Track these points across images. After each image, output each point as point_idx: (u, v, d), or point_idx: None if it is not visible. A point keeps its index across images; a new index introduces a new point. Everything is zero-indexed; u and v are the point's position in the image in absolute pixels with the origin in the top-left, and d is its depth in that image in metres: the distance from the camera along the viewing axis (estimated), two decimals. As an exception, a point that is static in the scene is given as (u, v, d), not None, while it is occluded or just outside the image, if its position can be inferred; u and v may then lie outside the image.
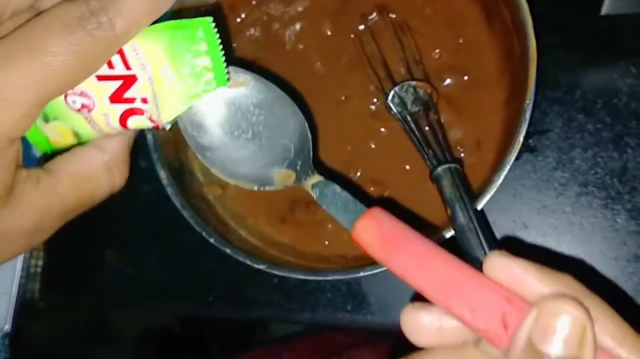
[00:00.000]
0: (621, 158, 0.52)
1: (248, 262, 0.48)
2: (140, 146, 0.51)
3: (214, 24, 0.33)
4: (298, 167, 0.38)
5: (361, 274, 0.45)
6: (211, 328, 1.19)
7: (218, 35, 0.33)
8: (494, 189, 0.44)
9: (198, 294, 0.59)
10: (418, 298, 0.28)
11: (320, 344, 0.70)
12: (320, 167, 0.40)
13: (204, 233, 0.49)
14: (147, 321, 1.18)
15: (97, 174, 0.35)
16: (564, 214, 0.52)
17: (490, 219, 0.53)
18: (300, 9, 0.58)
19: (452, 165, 0.45)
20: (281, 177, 0.39)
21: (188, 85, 0.33)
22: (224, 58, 0.34)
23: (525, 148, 0.53)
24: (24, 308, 0.60)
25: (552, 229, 0.52)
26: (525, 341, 0.24)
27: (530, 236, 0.52)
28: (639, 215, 0.51)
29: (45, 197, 0.32)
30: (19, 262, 0.58)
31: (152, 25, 0.31)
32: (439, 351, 0.28)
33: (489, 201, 0.52)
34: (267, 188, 0.39)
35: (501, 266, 0.26)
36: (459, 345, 0.28)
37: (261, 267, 0.48)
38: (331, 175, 0.39)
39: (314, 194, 0.36)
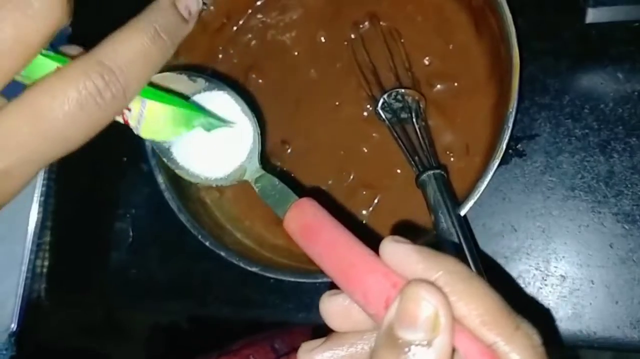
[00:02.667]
0: (608, 162, 0.53)
1: (242, 264, 0.50)
2: (142, 151, 0.53)
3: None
4: (249, 164, 0.40)
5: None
6: (219, 325, 1.21)
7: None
8: (478, 195, 0.45)
9: (197, 294, 0.61)
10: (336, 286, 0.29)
11: (315, 331, 0.72)
12: (265, 163, 0.42)
13: (199, 236, 0.50)
14: (155, 318, 1.20)
15: None
16: (551, 217, 0.53)
17: (480, 222, 0.54)
18: (294, 17, 0.59)
19: (437, 171, 0.46)
20: (234, 173, 0.41)
21: (175, 129, 0.35)
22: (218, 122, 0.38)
23: (514, 152, 0.54)
24: (30, 307, 0.62)
25: (540, 232, 0.53)
26: (387, 326, 0.25)
27: (519, 239, 0.53)
28: (625, 218, 0.52)
29: None
30: (24, 263, 0.60)
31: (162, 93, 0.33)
32: (344, 335, 0.29)
33: (479, 204, 0.53)
34: (221, 184, 0.41)
35: (390, 251, 0.27)
36: (369, 331, 0.29)
37: (254, 269, 0.49)
38: (272, 171, 0.41)
39: (256, 188, 0.38)
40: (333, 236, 0.29)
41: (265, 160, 0.42)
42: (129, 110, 0.32)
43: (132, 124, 0.33)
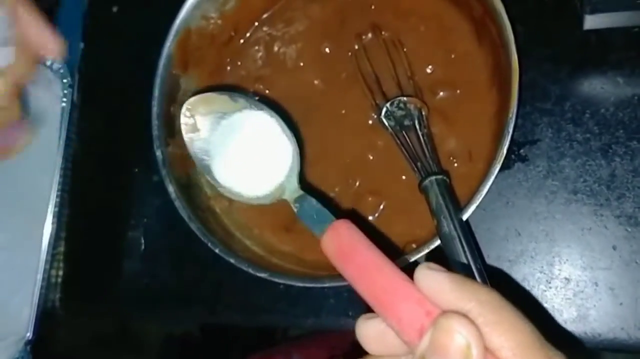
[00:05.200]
0: (609, 166, 0.54)
1: (251, 271, 0.51)
2: (153, 163, 0.55)
3: None
4: (287, 183, 0.41)
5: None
6: (231, 334, 1.22)
7: None
8: (480, 199, 0.46)
9: (208, 302, 0.62)
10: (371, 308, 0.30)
11: (330, 342, 0.72)
12: (303, 182, 0.44)
13: (209, 244, 0.52)
14: (168, 329, 1.21)
15: None
16: (554, 221, 0.54)
17: (485, 226, 0.55)
18: (300, 29, 0.61)
19: (439, 177, 0.47)
20: (274, 192, 0.42)
21: None
22: None
23: (517, 157, 0.55)
24: (45, 316, 0.63)
25: (543, 235, 0.54)
26: (420, 355, 0.26)
27: (523, 243, 0.54)
28: (627, 221, 0.53)
29: None
30: (39, 272, 0.62)
31: None
32: (379, 358, 0.30)
33: (483, 208, 0.55)
34: (262, 202, 0.42)
35: (424, 279, 0.27)
36: (403, 356, 0.29)
37: (263, 275, 0.50)
38: (311, 190, 0.43)
39: (294, 207, 0.40)
40: (367, 259, 0.30)
41: (303, 179, 0.43)
42: None
43: None
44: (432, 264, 0.28)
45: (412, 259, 0.47)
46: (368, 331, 0.30)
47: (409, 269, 0.29)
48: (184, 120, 0.45)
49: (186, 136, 0.46)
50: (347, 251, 0.31)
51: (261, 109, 0.43)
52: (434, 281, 0.27)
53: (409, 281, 0.28)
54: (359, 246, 0.31)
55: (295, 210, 0.40)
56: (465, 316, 0.25)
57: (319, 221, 0.36)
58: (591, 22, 0.52)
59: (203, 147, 0.45)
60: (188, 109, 0.45)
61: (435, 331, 0.26)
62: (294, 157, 0.42)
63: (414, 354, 0.26)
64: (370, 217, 0.56)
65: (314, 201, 0.39)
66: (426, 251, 0.47)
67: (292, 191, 0.41)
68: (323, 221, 0.34)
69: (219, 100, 0.44)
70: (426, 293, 0.27)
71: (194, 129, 0.46)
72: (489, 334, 0.25)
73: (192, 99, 0.45)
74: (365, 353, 0.31)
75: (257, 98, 0.44)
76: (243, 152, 0.44)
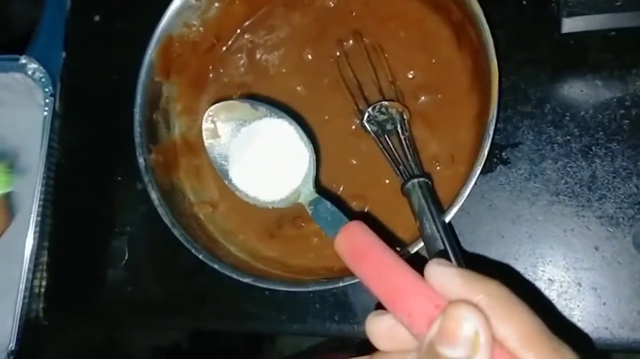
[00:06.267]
0: (590, 167, 0.54)
1: (235, 276, 0.51)
2: (136, 170, 0.55)
3: None
4: (303, 187, 0.43)
5: (340, 284, 0.48)
6: (220, 344, 1.21)
7: None
8: (461, 201, 0.46)
9: (193, 309, 0.62)
10: (382, 305, 0.30)
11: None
12: (318, 186, 0.45)
13: (193, 250, 0.52)
14: (156, 340, 1.20)
15: None
16: (537, 223, 0.54)
17: (468, 229, 0.55)
18: (282, 36, 0.61)
19: (421, 179, 0.47)
20: (290, 197, 0.44)
21: None
22: None
23: (499, 160, 0.56)
24: (28, 327, 0.63)
25: (526, 237, 0.54)
26: (429, 343, 0.26)
27: (506, 245, 0.55)
28: (608, 221, 0.53)
29: None
30: (22, 282, 0.61)
31: None
32: (389, 354, 0.31)
33: (466, 212, 0.55)
34: (278, 206, 0.45)
35: (434, 274, 0.28)
36: (412, 351, 0.30)
37: (248, 280, 0.50)
38: (325, 192, 0.44)
39: (309, 210, 0.41)
40: (379, 258, 0.31)
41: (318, 183, 0.45)
42: None
43: None
44: (441, 260, 0.28)
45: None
46: (378, 327, 0.31)
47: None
48: (206, 126, 0.47)
49: (207, 141, 0.47)
50: (360, 251, 0.32)
51: (281, 117, 0.45)
52: (443, 275, 0.28)
53: (420, 278, 0.28)
54: (372, 246, 0.32)
55: (310, 213, 0.41)
56: (474, 304, 0.26)
57: (333, 223, 0.37)
58: (569, 25, 0.53)
59: (222, 153, 0.46)
60: (210, 116, 0.47)
61: (444, 318, 0.26)
62: (310, 162, 0.44)
63: (422, 343, 0.27)
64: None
65: (328, 203, 0.40)
66: (410, 253, 0.47)
67: (308, 194, 0.43)
68: (337, 223, 0.35)
69: (241, 108, 0.46)
70: (436, 287, 0.28)
71: (215, 135, 0.47)
72: (496, 326, 0.26)
73: (214, 106, 0.46)
74: (375, 350, 0.31)
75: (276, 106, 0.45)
76: (261, 158, 0.45)
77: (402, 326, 0.29)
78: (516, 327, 0.26)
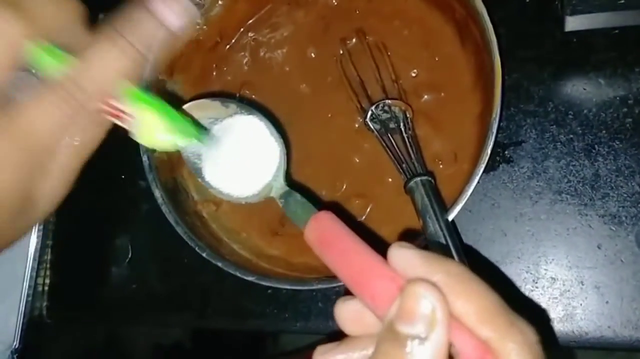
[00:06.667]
0: (593, 166, 0.54)
1: (238, 274, 0.51)
2: (139, 168, 0.55)
3: None
4: (274, 181, 0.43)
5: (337, 284, 0.48)
6: (222, 343, 1.21)
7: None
8: (464, 200, 0.46)
9: (196, 306, 0.62)
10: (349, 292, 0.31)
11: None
12: (289, 180, 0.45)
13: (196, 248, 0.52)
14: (158, 338, 1.20)
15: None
16: (539, 221, 0.54)
17: (471, 227, 0.55)
18: (285, 34, 0.61)
19: (424, 177, 0.47)
20: (262, 191, 0.43)
21: (171, 139, 0.36)
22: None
23: (502, 159, 0.56)
24: (32, 325, 0.63)
25: (529, 235, 0.54)
26: (388, 322, 0.26)
27: (509, 243, 0.55)
28: (611, 220, 0.53)
29: None
30: (26, 281, 0.61)
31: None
32: (358, 338, 0.31)
33: (469, 210, 0.55)
34: (250, 201, 0.45)
35: (396, 256, 0.28)
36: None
37: (251, 278, 0.50)
38: (297, 186, 0.44)
39: (281, 203, 0.42)
40: (346, 244, 0.31)
41: (288, 176, 0.45)
42: (128, 116, 0.33)
43: (131, 130, 0.35)
44: (403, 243, 0.29)
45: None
46: (346, 313, 0.31)
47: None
48: None
49: None
50: (328, 238, 0.32)
51: (251, 114, 0.45)
52: (404, 257, 0.28)
53: (384, 262, 0.29)
54: (339, 234, 0.32)
55: (281, 205, 0.42)
56: (431, 282, 0.26)
57: (304, 214, 0.38)
58: (572, 23, 0.53)
59: (195, 151, 0.46)
60: None
61: (402, 297, 0.26)
62: (281, 157, 0.44)
63: (382, 323, 0.27)
64: (358, 220, 0.56)
65: (298, 195, 0.40)
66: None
67: (279, 188, 0.43)
68: (307, 214, 0.35)
69: (212, 106, 0.46)
70: (399, 269, 0.28)
71: None
72: (454, 302, 0.26)
73: (185, 106, 0.46)
74: (345, 336, 0.32)
75: (246, 102, 0.45)
76: (233, 155, 0.45)
77: (368, 309, 0.29)
78: (473, 303, 0.26)
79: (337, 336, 0.32)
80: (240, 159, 0.45)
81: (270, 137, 0.45)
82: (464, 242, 0.54)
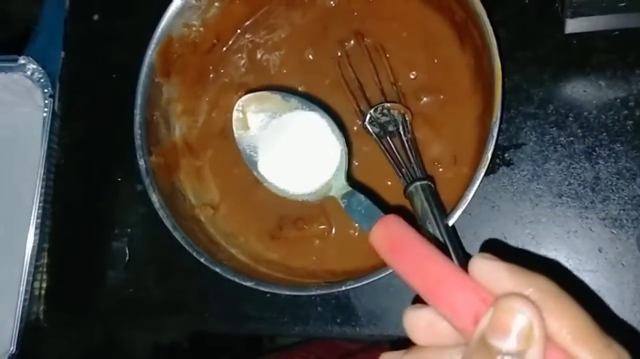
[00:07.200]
0: (593, 169, 0.54)
1: (237, 280, 0.50)
2: (136, 172, 0.54)
3: None
4: (335, 181, 0.43)
5: (343, 288, 0.48)
6: (220, 344, 1.21)
7: None
8: (465, 204, 0.46)
9: (194, 311, 0.61)
10: (420, 300, 0.30)
11: (329, 347, 0.72)
12: (351, 179, 0.44)
13: (194, 253, 0.51)
14: (155, 340, 1.19)
15: None
16: (540, 224, 0.54)
17: (471, 230, 0.55)
18: (282, 35, 0.61)
19: (424, 182, 0.47)
20: (321, 190, 0.44)
21: None
22: None
23: (502, 162, 0.55)
24: (29, 329, 0.62)
25: (529, 238, 0.54)
26: (480, 335, 0.26)
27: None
28: (612, 223, 0.53)
29: None
30: (22, 284, 0.61)
31: None
32: (427, 349, 0.30)
33: (469, 213, 0.55)
34: (308, 199, 0.44)
35: (480, 268, 0.27)
36: (451, 346, 0.29)
37: (249, 284, 0.50)
38: (358, 185, 0.43)
39: (342, 203, 0.40)
40: (419, 251, 0.30)
41: (350, 177, 0.44)
42: None
43: None
44: (487, 254, 0.28)
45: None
46: (417, 321, 0.30)
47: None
48: (236, 117, 0.46)
49: (236, 132, 0.47)
50: (398, 244, 0.31)
51: (312, 110, 0.45)
52: (490, 269, 0.27)
53: (462, 271, 0.28)
54: (410, 240, 0.31)
55: (342, 206, 0.40)
56: (527, 297, 0.25)
57: (367, 217, 0.37)
58: (572, 26, 0.52)
59: (252, 144, 0.46)
60: (240, 107, 0.46)
61: (497, 310, 0.25)
62: (342, 156, 0.43)
63: (472, 336, 0.26)
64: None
65: (362, 197, 0.39)
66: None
67: (340, 188, 0.42)
68: (371, 216, 0.35)
69: (272, 99, 0.45)
70: (482, 281, 0.27)
71: (245, 126, 0.47)
72: (547, 319, 0.25)
73: (245, 97, 0.46)
74: (412, 345, 0.31)
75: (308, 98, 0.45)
76: (291, 151, 0.45)
77: (443, 320, 0.28)
78: (568, 321, 0.26)
79: (406, 343, 0.31)
80: (298, 155, 0.45)
81: (332, 135, 0.44)
82: (464, 248, 0.54)
